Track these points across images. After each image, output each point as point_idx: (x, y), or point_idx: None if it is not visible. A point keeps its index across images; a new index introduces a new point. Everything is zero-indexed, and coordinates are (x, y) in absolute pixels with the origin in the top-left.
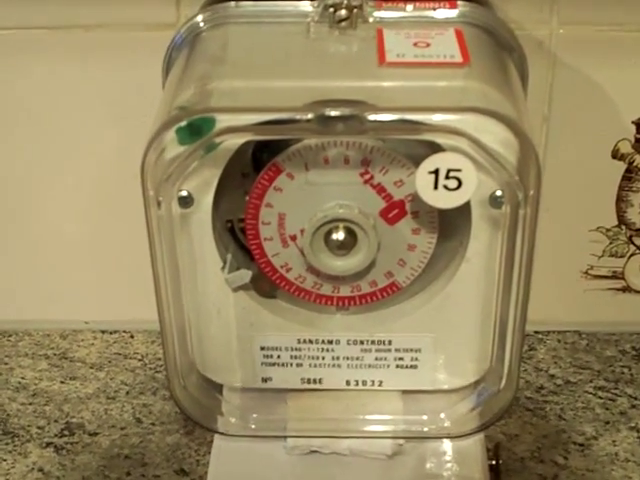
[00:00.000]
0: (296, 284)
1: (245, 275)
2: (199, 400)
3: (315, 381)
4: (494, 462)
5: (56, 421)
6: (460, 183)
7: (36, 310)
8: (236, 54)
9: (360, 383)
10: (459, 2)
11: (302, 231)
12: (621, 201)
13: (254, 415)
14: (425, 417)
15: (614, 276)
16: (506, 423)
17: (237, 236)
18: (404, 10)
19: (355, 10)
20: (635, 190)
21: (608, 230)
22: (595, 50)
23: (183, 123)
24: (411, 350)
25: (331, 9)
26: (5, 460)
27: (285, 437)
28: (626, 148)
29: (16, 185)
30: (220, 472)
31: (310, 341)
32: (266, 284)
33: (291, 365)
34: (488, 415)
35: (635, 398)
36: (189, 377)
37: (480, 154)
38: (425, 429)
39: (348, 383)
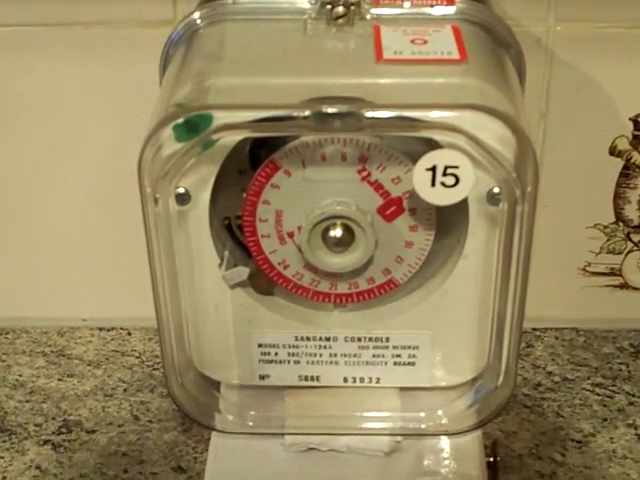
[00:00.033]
0: (293, 281)
1: (242, 272)
2: (196, 397)
3: (313, 378)
4: (492, 459)
5: (53, 418)
6: (457, 180)
7: (33, 307)
8: (233, 51)
9: (358, 380)
10: None
11: (299, 228)
12: (618, 198)
13: (252, 412)
14: (423, 414)
15: (612, 273)
16: (504, 420)
17: (234, 233)
18: (401, 7)
19: (352, 7)
20: (632, 187)
21: (606, 227)
22: (592, 47)
23: (180, 120)
24: (409, 347)
25: (328, 6)
26: (2, 458)
27: (283, 434)
28: (623, 145)
29: (13, 182)
30: (218, 469)
31: (308, 338)
32: (263, 281)
33: (289, 362)
34: (486, 412)
35: (633, 395)
36: (186, 374)
37: (477, 151)
38: (423, 426)
39: (346, 380)
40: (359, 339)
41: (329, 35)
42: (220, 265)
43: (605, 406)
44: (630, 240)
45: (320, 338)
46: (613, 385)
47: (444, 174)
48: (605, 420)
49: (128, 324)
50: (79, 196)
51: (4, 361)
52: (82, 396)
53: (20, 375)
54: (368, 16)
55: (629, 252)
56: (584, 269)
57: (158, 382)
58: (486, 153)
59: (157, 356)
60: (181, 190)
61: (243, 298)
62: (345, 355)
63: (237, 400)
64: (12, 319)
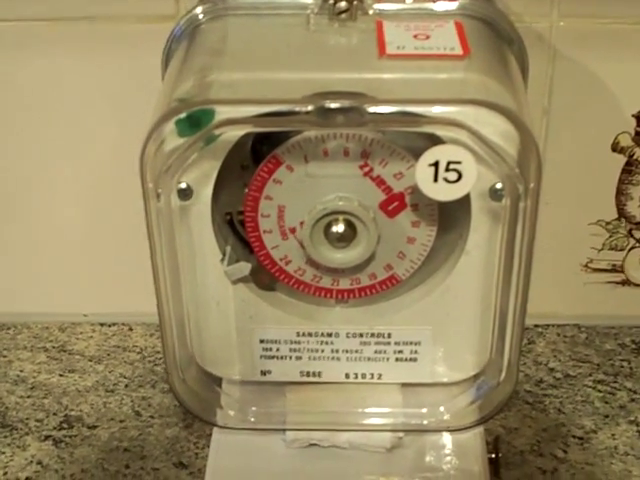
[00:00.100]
0: (295, 277)
1: (244, 268)
2: (198, 393)
3: (314, 374)
4: (493, 455)
5: (55, 414)
6: (460, 175)
7: (35, 303)
8: (235, 46)
9: (359, 376)
10: None
11: (302, 223)
12: (621, 194)
13: (253, 408)
14: (424, 410)
15: (614, 269)
16: (505, 416)
17: (236, 228)
18: (404, 2)
19: (355, 2)
20: (635, 183)
21: (608, 223)
22: (596, 43)
23: (182, 115)
24: (410, 343)
25: (331, 1)
26: (4, 453)
27: (284, 430)
28: (626, 141)
29: (15, 178)
30: (219, 465)
31: (309, 334)
32: (265, 277)
33: (290, 358)
34: (487, 408)
35: (634, 392)
36: (188, 370)
37: (480, 146)
38: (424, 422)
39: (347, 376)
40: (361, 335)
41: (332, 30)
42: (222, 260)
43: (607, 403)
44: (632, 237)
45: (322, 334)
46: (615, 382)
47: (446, 170)
48: (607, 417)
49: (129, 320)
50: (81, 191)
51: (5, 356)
52: (83, 391)
53: (21, 370)
54: (371, 11)
55: (631, 249)
56: (586, 265)
57: (159, 378)
58: (489, 149)
59: (158, 352)
60: (183, 185)
61: (245, 294)
62: (347, 351)
63: (239, 396)
64: (13, 314)
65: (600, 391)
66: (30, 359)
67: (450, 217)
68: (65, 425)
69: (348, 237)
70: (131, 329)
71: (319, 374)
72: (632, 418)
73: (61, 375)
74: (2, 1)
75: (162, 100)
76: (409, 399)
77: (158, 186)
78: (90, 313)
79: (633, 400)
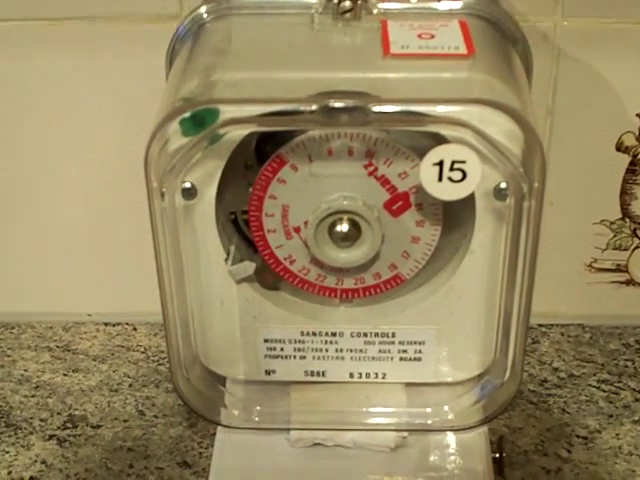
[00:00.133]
0: (300, 276)
1: (249, 267)
2: (202, 392)
3: (319, 374)
4: (498, 455)
5: (59, 413)
6: (464, 175)
7: (39, 302)
8: (240, 45)
9: (364, 375)
10: None
11: (306, 223)
12: (625, 194)
13: (257, 407)
14: (429, 410)
15: (618, 269)
16: (510, 416)
17: (240, 228)
18: (408, 1)
19: (359, 1)
20: (639, 183)
21: (612, 223)
22: (600, 42)
23: (187, 114)
24: (415, 342)
25: (335, 0)
26: (8, 452)
27: (288, 430)
28: (630, 141)
29: (19, 177)
30: (223, 465)
31: (314, 333)
32: (270, 276)
33: (295, 357)
34: (492, 408)
35: (639, 391)
36: (192, 369)
37: (485, 146)
38: (429, 422)
39: (352, 375)
40: (365, 334)
41: (336, 30)
42: (226, 260)
43: (611, 402)
44: (637, 236)
45: (326, 333)
46: (619, 381)
47: (451, 169)
48: (611, 416)
49: (133, 319)
50: (85, 191)
51: (9, 356)
52: (87, 391)
53: (25, 370)
54: (375, 10)
55: (635, 248)
56: (590, 265)
57: (163, 377)
58: (493, 148)
59: (162, 351)
60: (187, 185)
61: (249, 293)
62: (351, 350)
63: (243, 395)
64: (17, 314)
65: (604, 391)
66: (34, 358)
67: (454, 216)
68: (69, 424)
69: (352, 236)
70: (135, 329)
71: (323, 373)
72: (636, 418)
73: (65, 375)
74: (4, 1)
75: (166, 100)
76: (413, 398)
77: (162, 185)
78: (94, 313)
79: (637, 400)
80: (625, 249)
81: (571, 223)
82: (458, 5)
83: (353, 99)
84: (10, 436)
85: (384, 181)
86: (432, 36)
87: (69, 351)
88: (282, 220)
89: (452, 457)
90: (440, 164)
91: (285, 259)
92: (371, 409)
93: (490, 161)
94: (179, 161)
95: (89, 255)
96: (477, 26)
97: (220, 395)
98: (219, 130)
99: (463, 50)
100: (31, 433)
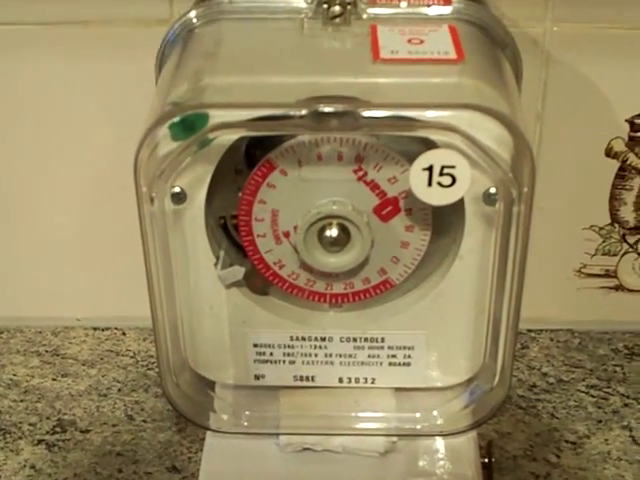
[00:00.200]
0: (289, 281)
1: (238, 272)
2: (191, 397)
3: (308, 378)
4: (486, 460)
5: (48, 418)
6: (454, 180)
7: (28, 307)
8: (229, 50)
9: (353, 380)
10: None
11: (295, 228)
12: (614, 199)
13: (247, 412)
14: (418, 415)
15: (607, 274)
16: (499, 421)
17: (230, 233)
18: (398, 7)
19: (349, 6)
20: (628, 188)
21: (601, 228)
22: (589, 48)
23: (176, 119)
24: (404, 347)
25: (325, 5)
26: None
27: (278, 434)
28: (619, 146)
29: (8, 182)
30: (212, 469)
31: (303, 338)
32: (259, 281)
33: (284, 362)
34: (481, 413)
35: (627, 397)
36: (181, 374)
37: (474, 151)
38: (418, 427)
39: (341, 380)
40: (354, 339)
41: (326, 34)
42: (216, 265)
43: (600, 408)
44: (625, 242)
45: (315, 338)
46: (608, 387)
47: (441, 174)
48: (600, 422)
49: (123, 324)
50: (75, 195)
51: None
52: (76, 396)
53: (14, 374)
54: (365, 15)
55: (624, 254)
56: (579, 270)
57: (152, 382)
58: (483, 153)
59: (152, 356)
60: (177, 189)
61: (238, 298)
62: (340, 355)
63: (232, 400)
64: (6, 318)
65: (593, 396)
66: (23, 363)
67: (444, 221)
68: (58, 429)
69: (342, 241)
70: (124, 333)
71: (313, 378)
72: (625, 423)
73: (54, 379)
74: None
75: (156, 104)
76: (402, 403)
77: (152, 190)
78: (83, 317)
79: (626, 405)
80: (614, 254)
81: (560, 228)
82: (448, 10)
83: (343, 104)
84: None
85: (374, 186)
86: (422, 41)
87: (58, 356)
88: (271, 225)
89: (441, 462)
90: (430, 169)
91: (274, 264)
92: (360, 414)
93: (479, 166)
94: (168, 166)
95: (78, 260)
96: (467, 31)
97: (209, 400)
98: (209, 135)
99: (453, 55)
100: (20, 438)
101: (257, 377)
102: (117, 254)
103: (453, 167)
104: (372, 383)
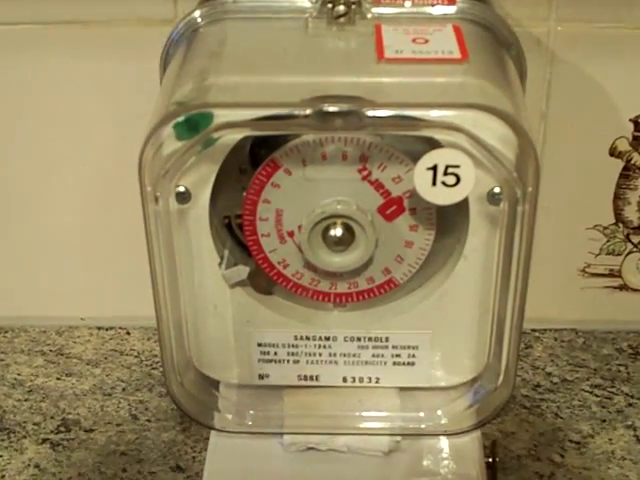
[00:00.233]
0: (293, 280)
1: (242, 271)
2: (195, 396)
3: (312, 378)
4: (491, 460)
5: (52, 417)
6: (458, 179)
7: (32, 306)
8: (234, 50)
9: (357, 380)
10: None
11: (300, 227)
12: (618, 199)
13: (251, 412)
14: (422, 414)
15: (611, 274)
16: (503, 421)
17: (234, 232)
18: (402, 6)
19: (353, 6)
20: (632, 188)
21: (605, 228)
22: (593, 47)
23: (181, 118)
24: (408, 347)
25: (329, 5)
26: (1, 456)
27: (282, 434)
28: (624, 146)
29: (12, 181)
30: (216, 469)
31: (307, 338)
32: (263, 280)
33: (288, 362)
34: (485, 412)
35: (632, 396)
36: (186, 373)
37: (478, 150)
38: (422, 426)
39: (345, 380)
40: (359, 339)
41: (330, 34)
42: (220, 264)
43: (604, 407)
44: (630, 241)
45: (319, 338)
46: (612, 386)
47: (445, 173)
48: (604, 421)
49: (127, 323)
50: (79, 195)
51: (3, 360)
52: (81, 395)
53: (19, 374)
54: (369, 15)
55: (629, 253)
56: (583, 270)
57: (157, 381)
58: (487, 152)
59: (156, 355)
60: (181, 189)
61: (243, 297)
62: (344, 355)
63: (236, 399)
64: (11, 318)
65: (597, 396)
66: (27, 362)
67: (448, 221)
68: (62, 429)
69: (346, 241)
70: (128, 333)
71: (317, 378)
72: (629, 423)
73: (58, 379)
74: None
75: (160, 104)
76: (407, 403)
77: (156, 190)
78: (87, 317)
79: (630, 405)
80: (618, 254)
81: (564, 228)
82: (452, 10)
83: (347, 103)
84: (3, 440)
85: (378, 185)
86: (426, 41)
87: (62, 355)
88: (276, 224)
89: (445, 461)
90: (434, 169)
91: (279, 263)
92: (364, 413)
93: (484, 166)
94: (173, 165)
95: (83, 259)
96: (471, 31)
97: (213, 399)
98: (213, 134)
99: (457, 55)
100: (24, 437)
101: (261, 376)
102: (121, 254)
103: (457, 167)
104: (376, 383)
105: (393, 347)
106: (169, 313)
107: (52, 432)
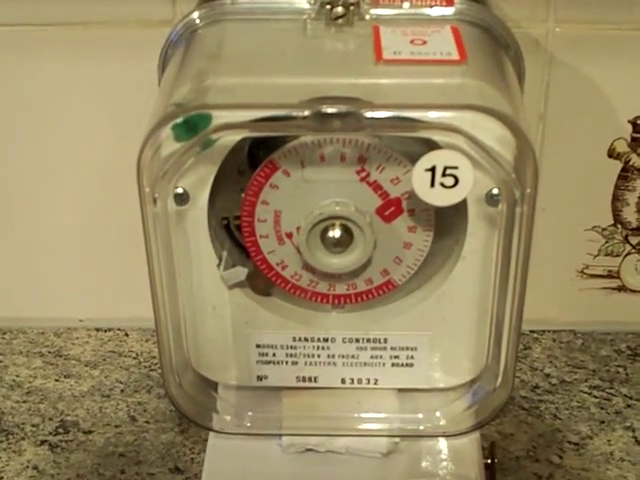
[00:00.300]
0: (292, 282)
1: (241, 272)
2: (194, 398)
3: (310, 379)
4: (489, 461)
5: (51, 419)
6: (457, 181)
7: (31, 308)
8: (232, 51)
9: (355, 381)
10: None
11: (298, 228)
12: (617, 200)
13: (249, 413)
14: (421, 415)
15: (609, 275)
16: (501, 422)
17: (233, 233)
18: (400, 7)
19: (352, 7)
20: (631, 189)
21: (604, 229)
22: (591, 49)
23: (179, 120)
24: (407, 348)
25: (328, 6)
26: (0, 458)
27: (280, 435)
28: (622, 147)
29: (11, 182)
30: (215, 470)
31: (306, 339)
32: (262, 282)
33: (286, 363)
34: (483, 414)
35: (630, 397)
36: (184, 375)
37: (477, 152)
38: (421, 427)
39: (343, 381)
40: (357, 340)
41: (328, 35)
42: (218, 265)
43: (602, 408)
44: (628, 242)
45: (318, 339)
46: (611, 388)
47: (443, 175)
48: (602, 422)
49: (125, 325)
50: (77, 196)
51: (1, 361)
52: (79, 397)
53: (17, 375)
54: (367, 16)
55: (627, 254)
56: (582, 271)
57: (155, 383)
58: (485, 154)
59: (154, 357)
60: (180, 190)
61: (241, 299)
62: (343, 356)
63: (235, 401)
64: (9, 319)
65: (596, 397)
66: (26, 364)
67: (447, 222)
68: (61, 430)
69: (345, 242)
70: (127, 334)
71: (315, 379)
72: (628, 424)
73: (57, 380)
74: None
75: (159, 105)
76: (405, 404)
77: (155, 191)
78: (86, 318)
79: (629, 406)
80: (617, 255)
81: (563, 229)
82: (450, 11)
83: (346, 105)
84: (2, 442)
85: (376, 187)
86: (424, 42)
87: (61, 357)
88: (274, 226)
89: (444, 463)
90: (432, 170)
91: (277, 265)
92: (363, 415)
93: (482, 167)
94: (171, 166)
95: (81, 260)
96: (469, 32)
97: (212, 400)
98: (211, 135)
99: (455, 56)
100: (23, 439)
101: (260, 378)
102: (120, 255)
103: (456, 168)
104: (375, 384)
105: (392, 348)
106: (167, 314)
107: (50, 434)
